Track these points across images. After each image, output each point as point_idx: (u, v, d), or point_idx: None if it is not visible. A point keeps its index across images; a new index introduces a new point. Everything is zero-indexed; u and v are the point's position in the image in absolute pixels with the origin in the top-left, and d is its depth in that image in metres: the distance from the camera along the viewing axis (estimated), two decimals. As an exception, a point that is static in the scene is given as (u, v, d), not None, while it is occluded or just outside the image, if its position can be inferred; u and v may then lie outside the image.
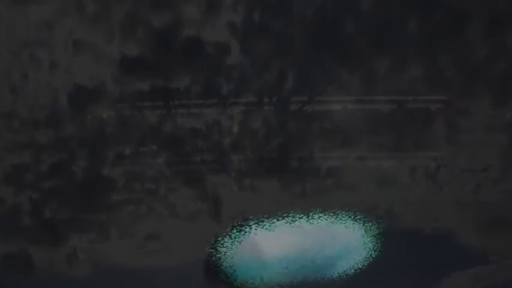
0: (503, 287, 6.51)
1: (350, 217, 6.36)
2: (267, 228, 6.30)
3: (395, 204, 6.40)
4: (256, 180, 6.20)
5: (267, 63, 5.88)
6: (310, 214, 6.24)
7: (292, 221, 6.25)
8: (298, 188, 6.26)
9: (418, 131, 6.12)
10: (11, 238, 6.42)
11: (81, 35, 5.75)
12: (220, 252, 6.36)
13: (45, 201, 6.32)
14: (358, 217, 6.37)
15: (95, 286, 6.47)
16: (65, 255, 6.49)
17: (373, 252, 6.41)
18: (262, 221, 6.25)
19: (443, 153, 6.18)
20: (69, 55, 5.83)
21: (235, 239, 6.34)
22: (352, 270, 6.43)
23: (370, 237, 6.42)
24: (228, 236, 6.34)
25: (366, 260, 6.42)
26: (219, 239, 6.35)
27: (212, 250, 6.37)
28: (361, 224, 6.40)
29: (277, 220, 6.25)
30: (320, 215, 6.26)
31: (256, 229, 6.30)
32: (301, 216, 6.25)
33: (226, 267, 6.41)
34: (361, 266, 6.43)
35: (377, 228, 6.43)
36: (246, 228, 6.30)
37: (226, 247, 6.36)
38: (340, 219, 6.32)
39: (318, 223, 6.29)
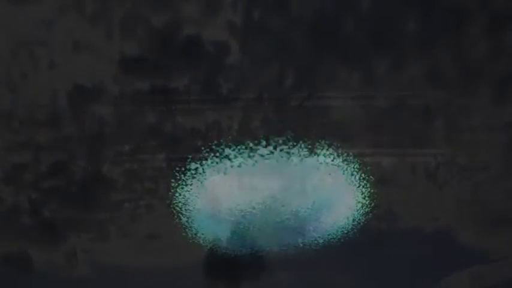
0: (503, 286, 6.51)
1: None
2: (267, 228, 6.31)
3: (394, 203, 6.40)
4: (256, 180, 6.20)
5: (267, 62, 5.88)
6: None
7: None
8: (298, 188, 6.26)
9: (418, 129, 6.11)
10: (10, 238, 6.41)
11: (81, 34, 5.73)
12: (220, 252, 6.35)
13: (44, 200, 6.32)
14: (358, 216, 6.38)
15: (95, 286, 6.47)
16: (65, 255, 6.49)
17: (373, 252, 6.41)
18: (262, 220, 6.25)
19: (443, 151, 6.19)
20: (69, 54, 5.81)
21: (235, 239, 6.34)
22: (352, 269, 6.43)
23: (370, 236, 6.43)
24: (227, 236, 6.34)
25: (366, 260, 6.43)
26: (219, 239, 6.35)
27: (212, 250, 6.37)
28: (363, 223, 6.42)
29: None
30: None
31: (256, 229, 6.31)
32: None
33: (226, 267, 6.41)
34: (360, 266, 6.43)
35: (377, 228, 6.44)
36: (245, 227, 6.31)
37: (226, 247, 6.35)
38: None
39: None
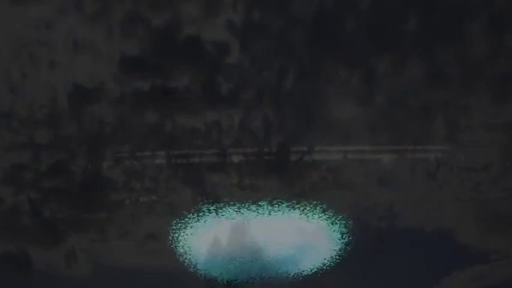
0: (503, 286, 6.51)
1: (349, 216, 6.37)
2: (266, 227, 6.30)
3: (395, 203, 6.40)
4: (256, 179, 6.19)
5: (267, 62, 5.88)
6: (309, 213, 6.24)
7: (291, 219, 6.25)
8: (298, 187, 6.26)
9: (418, 129, 6.12)
10: (10, 238, 6.41)
11: (81, 34, 5.73)
12: (220, 252, 6.35)
13: (44, 200, 6.31)
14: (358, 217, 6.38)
15: (95, 286, 6.46)
16: (64, 255, 6.48)
17: (372, 252, 6.40)
18: (262, 220, 6.25)
19: (443, 151, 6.19)
20: (69, 54, 5.81)
21: (235, 239, 6.34)
22: (351, 269, 6.42)
23: (370, 236, 6.42)
24: (227, 236, 6.34)
25: (365, 260, 6.42)
26: (219, 238, 6.35)
27: (212, 250, 6.36)
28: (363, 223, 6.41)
29: (277, 218, 6.25)
30: (318, 214, 6.26)
31: (255, 228, 6.30)
32: (299, 215, 6.25)
33: (226, 268, 6.40)
34: (360, 266, 6.43)
35: (376, 228, 6.44)
36: (245, 227, 6.30)
37: (226, 247, 6.35)
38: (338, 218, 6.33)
39: (316, 222, 6.29)
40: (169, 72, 5.87)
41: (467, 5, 5.71)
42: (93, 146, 6.15)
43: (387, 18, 5.73)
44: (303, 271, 6.41)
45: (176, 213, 6.32)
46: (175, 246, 6.38)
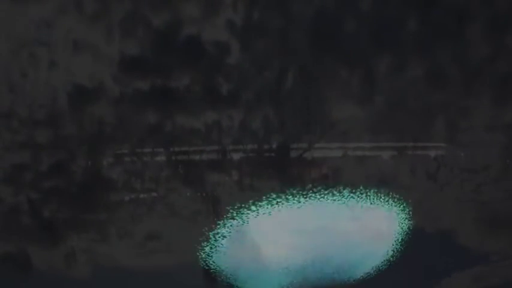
0: (503, 287, 6.51)
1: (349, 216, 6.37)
2: (266, 228, 6.30)
3: (395, 204, 6.40)
4: (256, 180, 6.19)
5: (268, 62, 5.88)
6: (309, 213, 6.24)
7: (291, 220, 6.25)
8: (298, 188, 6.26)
9: (418, 129, 6.11)
10: (9, 238, 6.40)
11: (81, 34, 5.72)
12: (220, 252, 6.35)
13: (44, 200, 6.30)
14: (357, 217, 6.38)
15: (94, 286, 6.46)
16: (64, 255, 6.47)
17: (372, 252, 6.40)
18: (262, 220, 6.25)
19: (444, 152, 6.19)
20: (69, 54, 5.81)
21: (235, 239, 6.33)
22: (352, 271, 6.42)
23: (370, 237, 6.42)
24: (227, 236, 6.33)
25: (365, 260, 6.42)
26: (219, 238, 6.35)
27: (211, 250, 6.36)
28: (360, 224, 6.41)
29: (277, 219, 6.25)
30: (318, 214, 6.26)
31: (256, 229, 6.30)
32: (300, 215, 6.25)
33: (225, 268, 6.40)
34: (360, 266, 6.43)
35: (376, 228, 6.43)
36: (245, 227, 6.30)
37: (226, 247, 6.35)
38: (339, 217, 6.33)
39: (316, 222, 6.29)
40: (169, 72, 5.86)
41: (467, 5, 5.71)
42: (93, 146, 6.14)
43: (387, 17, 5.73)
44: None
45: (176, 213, 6.32)
46: (175, 246, 6.37)
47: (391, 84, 5.92)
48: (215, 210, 6.27)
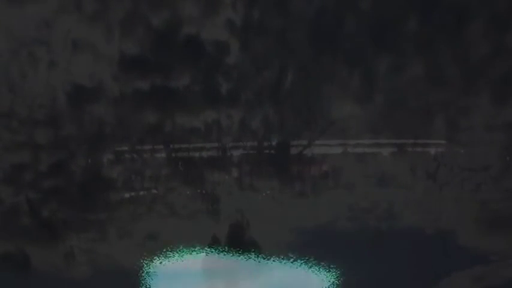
0: (503, 287, 6.49)
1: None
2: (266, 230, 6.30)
3: (395, 203, 6.39)
4: (256, 179, 6.19)
5: (267, 61, 5.88)
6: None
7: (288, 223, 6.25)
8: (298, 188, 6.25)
9: (418, 129, 6.11)
10: (9, 238, 6.39)
11: (80, 33, 5.73)
12: (219, 252, 6.34)
13: (44, 200, 6.30)
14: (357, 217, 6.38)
15: (94, 286, 6.45)
16: (64, 255, 6.46)
17: (372, 252, 6.39)
18: (261, 221, 6.24)
19: (443, 151, 6.18)
20: (68, 54, 5.81)
21: (234, 239, 6.33)
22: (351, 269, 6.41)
23: (370, 237, 6.41)
24: (227, 235, 6.33)
25: (366, 260, 6.41)
26: (218, 238, 6.34)
27: (211, 250, 6.35)
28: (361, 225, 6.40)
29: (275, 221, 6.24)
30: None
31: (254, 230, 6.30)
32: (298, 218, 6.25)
33: (225, 267, 6.39)
34: (360, 266, 6.41)
35: (376, 228, 6.42)
36: (245, 227, 6.30)
37: (225, 246, 6.34)
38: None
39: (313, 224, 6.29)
40: (169, 71, 5.87)
41: (467, 5, 5.71)
42: (93, 146, 6.14)
43: (387, 16, 5.73)
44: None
45: (176, 213, 6.31)
46: (175, 246, 6.36)
47: (391, 84, 5.91)
48: (214, 209, 6.27)
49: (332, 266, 6.39)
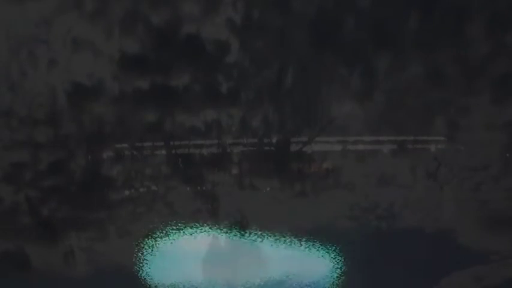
0: (503, 286, 6.49)
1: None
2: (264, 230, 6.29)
3: (394, 203, 6.39)
4: (255, 178, 6.18)
5: (267, 60, 5.88)
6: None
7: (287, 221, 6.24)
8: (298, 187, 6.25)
9: (418, 128, 6.11)
10: (8, 237, 6.38)
11: (80, 32, 5.73)
12: (219, 252, 6.34)
13: (43, 199, 6.29)
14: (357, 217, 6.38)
15: (93, 285, 6.44)
16: (64, 254, 6.45)
17: (372, 252, 6.39)
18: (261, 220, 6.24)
19: (443, 151, 6.18)
20: (68, 53, 5.81)
21: (234, 238, 6.32)
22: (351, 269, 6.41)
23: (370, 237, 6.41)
24: (226, 235, 6.32)
25: (366, 260, 6.40)
26: (218, 238, 6.33)
27: (211, 250, 6.35)
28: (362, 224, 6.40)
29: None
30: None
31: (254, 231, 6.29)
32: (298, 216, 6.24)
33: (224, 267, 6.39)
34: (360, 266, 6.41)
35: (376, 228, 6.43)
36: (244, 227, 6.29)
37: (225, 246, 6.34)
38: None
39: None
40: (169, 70, 5.87)
41: (467, 5, 5.71)
42: (93, 145, 6.13)
43: (387, 15, 5.73)
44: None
45: (176, 213, 6.31)
46: (175, 246, 6.35)
47: (391, 83, 5.92)
48: (214, 208, 6.27)
49: (332, 265, 6.40)
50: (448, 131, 6.10)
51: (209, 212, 6.28)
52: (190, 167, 6.20)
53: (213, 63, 5.87)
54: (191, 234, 6.32)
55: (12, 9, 5.67)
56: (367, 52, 5.78)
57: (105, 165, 6.21)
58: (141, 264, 6.35)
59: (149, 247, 6.37)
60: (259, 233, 6.29)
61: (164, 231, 6.34)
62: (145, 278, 6.36)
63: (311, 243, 6.34)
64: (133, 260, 6.36)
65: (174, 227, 6.30)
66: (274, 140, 6.12)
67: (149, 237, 6.36)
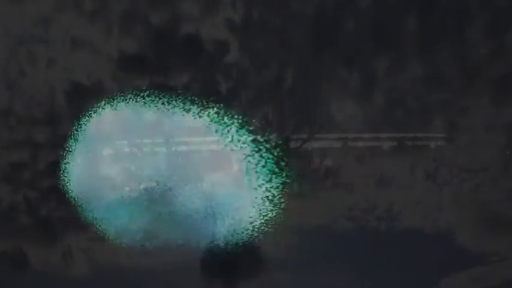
0: (503, 287, 6.48)
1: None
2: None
3: (394, 203, 6.38)
4: (255, 177, 6.16)
5: (266, 60, 5.87)
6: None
7: None
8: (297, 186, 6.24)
9: (418, 129, 6.10)
10: (7, 237, 6.38)
11: (79, 32, 5.73)
12: (218, 252, 6.32)
13: (42, 199, 6.29)
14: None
15: (92, 285, 6.44)
16: (62, 254, 6.45)
17: (372, 252, 6.39)
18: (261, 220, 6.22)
19: (443, 152, 6.17)
20: (67, 52, 5.81)
21: (233, 238, 6.32)
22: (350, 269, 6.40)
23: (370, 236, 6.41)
24: (226, 235, 6.31)
25: (366, 260, 6.40)
26: (217, 238, 6.32)
27: (210, 249, 6.34)
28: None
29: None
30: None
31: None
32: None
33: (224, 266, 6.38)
34: (360, 266, 6.41)
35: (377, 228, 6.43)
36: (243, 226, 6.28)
37: (224, 246, 6.32)
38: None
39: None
40: (168, 70, 5.86)
41: (467, 5, 5.70)
42: (91, 144, 6.12)
43: (387, 17, 5.73)
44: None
45: (175, 212, 6.29)
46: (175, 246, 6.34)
47: (390, 85, 5.91)
48: (214, 207, 6.25)
49: (332, 265, 6.39)
50: (447, 132, 6.09)
51: (208, 211, 6.27)
52: (189, 166, 6.18)
53: (212, 63, 5.87)
54: (189, 233, 6.31)
55: (11, 9, 5.67)
56: (366, 54, 5.78)
57: (103, 165, 6.20)
58: (139, 264, 6.34)
59: (148, 247, 6.37)
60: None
61: (163, 231, 6.33)
62: (144, 278, 6.35)
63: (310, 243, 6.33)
64: (132, 259, 6.36)
65: (173, 227, 6.30)
66: (273, 141, 6.11)
67: (148, 236, 6.35)
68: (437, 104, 6.00)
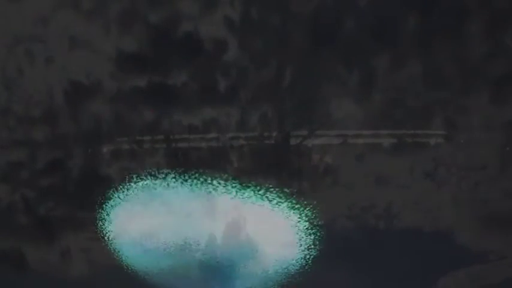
0: (501, 286, 6.50)
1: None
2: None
3: (394, 203, 6.39)
4: (254, 177, 6.17)
5: (265, 59, 5.87)
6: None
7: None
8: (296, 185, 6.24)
9: (417, 129, 6.11)
10: (5, 236, 6.38)
11: (78, 30, 5.73)
12: (218, 252, 6.34)
13: (40, 198, 6.29)
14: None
15: (91, 285, 6.44)
16: (61, 254, 6.45)
17: (372, 252, 6.40)
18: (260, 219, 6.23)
19: (442, 151, 6.18)
20: (65, 51, 5.81)
21: (233, 238, 6.32)
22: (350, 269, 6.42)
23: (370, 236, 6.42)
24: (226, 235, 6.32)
25: (365, 260, 6.41)
26: (217, 237, 6.33)
27: (210, 249, 6.35)
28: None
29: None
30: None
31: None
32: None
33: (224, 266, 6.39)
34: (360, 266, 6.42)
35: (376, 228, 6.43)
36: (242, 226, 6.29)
37: (224, 246, 6.33)
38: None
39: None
40: (166, 69, 5.86)
41: (467, 4, 5.71)
42: (90, 144, 6.12)
43: (386, 15, 5.73)
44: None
45: (174, 211, 6.30)
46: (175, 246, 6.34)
47: (390, 83, 5.91)
48: (213, 207, 6.26)
49: (332, 265, 6.40)
50: (446, 131, 6.09)
51: (208, 210, 6.28)
52: (188, 166, 6.19)
53: (211, 61, 5.86)
54: (188, 233, 6.32)
55: (10, 7, 5.67)
56: (365, 53, 5.78)
57: (102, 164, 6.21)
58: (138, 264, 6.35)
59: (147, 246, 6.37)
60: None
61: (162, 231, 6.33)
62: (144, 279, 6.36)
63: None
64: (131, 259, 6.36)
65: (172, 226, 6.30)
66: (272, 141, 6.11)
67: (147, 236, 6.36)
68: (437, 102, 6.00)
